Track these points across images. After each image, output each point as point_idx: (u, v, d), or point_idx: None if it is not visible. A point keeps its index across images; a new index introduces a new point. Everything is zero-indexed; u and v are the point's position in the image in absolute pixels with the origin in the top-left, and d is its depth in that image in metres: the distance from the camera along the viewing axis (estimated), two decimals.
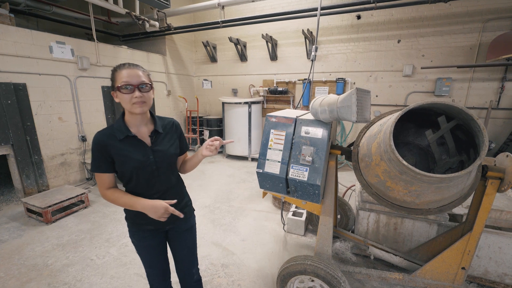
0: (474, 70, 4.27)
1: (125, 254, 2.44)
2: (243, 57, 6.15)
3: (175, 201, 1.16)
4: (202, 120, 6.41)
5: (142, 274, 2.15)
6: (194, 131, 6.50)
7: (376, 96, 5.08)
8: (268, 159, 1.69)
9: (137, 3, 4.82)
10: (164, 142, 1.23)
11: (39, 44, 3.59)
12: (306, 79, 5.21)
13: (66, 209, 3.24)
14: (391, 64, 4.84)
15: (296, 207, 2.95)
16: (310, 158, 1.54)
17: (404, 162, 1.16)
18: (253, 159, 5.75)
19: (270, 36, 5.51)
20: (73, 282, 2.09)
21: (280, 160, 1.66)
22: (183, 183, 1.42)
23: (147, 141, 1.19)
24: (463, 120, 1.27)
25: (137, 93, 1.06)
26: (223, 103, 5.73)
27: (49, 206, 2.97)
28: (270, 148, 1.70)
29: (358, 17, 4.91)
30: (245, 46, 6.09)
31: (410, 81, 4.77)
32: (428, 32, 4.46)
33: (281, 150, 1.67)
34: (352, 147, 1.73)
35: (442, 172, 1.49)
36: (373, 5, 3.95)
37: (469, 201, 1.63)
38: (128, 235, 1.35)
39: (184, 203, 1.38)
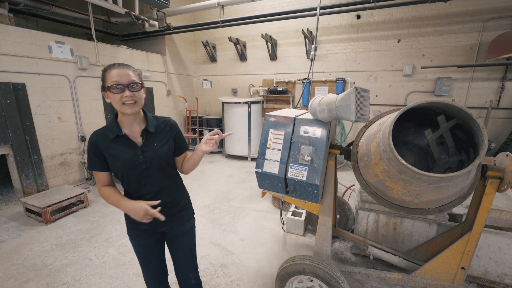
0: (474, 69, 4.26)
1: (124, 254, 2.43)
2: (242, 57, 6.14)
3: (157, 202, 1.12)
4: (202, 120, 6.41)
5: (141, 274, 2.13)
6: (194, 131, 6.50)
7: (376, 96, 5.07)
8: (267, 159, 1.69)
9: (137, 2, 4.82)
10: (155, 142, 1.20)
11: (38, 44, 3.59)
12: (305, 78, 5.20)
13: (65, 209, 3.23)
14: (391, 64, 4.84)
15: (295, 207, 2.94)
16: (309, 158, 1.54)
17: (403, 162, 1.15)
18: (252, 159, 5.75)
19: (270, 36, 5.50)
20: (71, 282, 2.08)
21: (279, 160, 1.65)
22: (183, 185, 1.39)
23: (138, 140, 1.18)
24: (463, 119, 1.26)
25: (127, 93, 1.06)
26: (223, 103, 5.72)
27: (48, 206, 2.97)
28: (269, 148, 1.70)
29: (358, 16, 4.91)
30: (244, 46, 6.08)
31: (410, 81, 4.76)
32: (428, 32, 4.46)
33: (280, 150, 1.66)
34: (351, 147, 1.73)
35: (442, 171, 1.48)
36: (372, 4, 3.94)
37: (468, 200, 1.62)
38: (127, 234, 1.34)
39: (181, 206, 1.34)
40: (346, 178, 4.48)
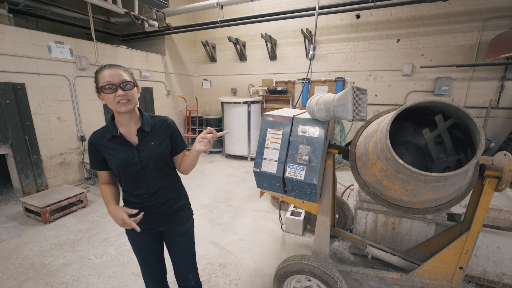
0: (473, 69, 4.26)
1: (122, 253, 2.43)
2: (242, 56, 6.14)
3: (136, 211, 1.11)
4: (202, 119, 6.41)
5: (139, 274, 2.14)
6: (193, 131, 6.50)
7: (376, 95, 5.07)
8: (265, 158, 1.69)
9: (136, 3, 4.82)
10: (151, 141, 1.20)
11: (37, 44, 3.59)
12: (305, 78, 5.20)
13: (64, 208, 3.23)
14: (391, 64, 4.83)
15: (294, 207, 2.94)
16: (307, 157, 1.54)
17: (400, 161, 1.15)
18: (252, 159, 5.74)
19: (269, 36, 5.50)
20: (70, 281, 2.08)
21: (277, 159, 1.65)
22: (181, 185, 1.39)
23: (134, 140, 1.18)
24: (460, 118, 1.26)
25: (119, 92, 1.07)
26: (223, 103, 5.72)
27: (48, 206, 2.97)
28: (267, 147, 1.70)
29: (357, 16, 4.90)
30: (244, 46, 6.08)
31: (410, 81, 4.76)
32: (427, 31, 4.45)
33: (278, 149, 1.66)
34: (349, 146, 1.73)
35: (440, 171, 1.48)
36: (372, 4, 3.93)
37: (467, 200, 1.62)
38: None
39: (179, 206, 1.34)
40: (346, 178, 4.48)
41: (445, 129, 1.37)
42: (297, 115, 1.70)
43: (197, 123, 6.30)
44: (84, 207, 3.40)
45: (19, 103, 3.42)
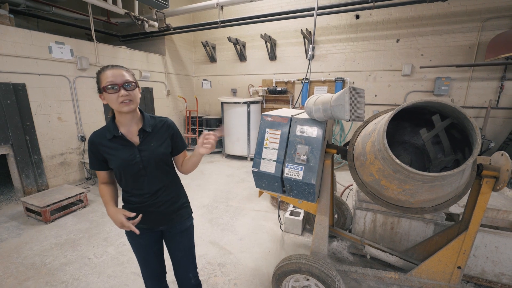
0: (473, 69, 4.26)
1: (122, 253, 2.45)
2: (242, 57, 6.15)
3: (134, 214, 1.14)
4: (202, 120, 6.42)
5: (139, 273, 2.16)
6: (193, 131, 6.52)
7: (375, 95, 5.07)
8: (263, 158, 1.70)
9: (136, 3, 4.84)
10: (152, 141, 1.22)
11: (38, 45, 3.61)
12: (304, 78, 5.21)
13: (65, 208, 3.25)
14: (390, 64, 4.84)
15: (293, 207, 2.95)
16: (305, 157, 1.54)
17: (397, 160, 1.16)
18: (252, 159, 5.75)
19: (269, 36, 5.51)
20: (70, 280, 2.10)
21: (275, 159, 1.66)
22: (180, 184, 1.41)
23: (136, 140, 1.20)
24: (457, 118, 1.27)
25: (122, 92, 1.08)
26: (222, 103, 5.74)
27: (48, 206, 2.99)
28: (265, 147, 1.70)
29: (357, 16, 4.91)
30: (244, 46, 6.09)
31: (409, 81, 4.76)
32: (427, 32, 4.45)
33: (276, 149, 1.67)
34: (347, 146, 1.73)
35: (438, 171, 1.49)
36: (371, 4, 3.94)
37: (465, 200, 1.62)
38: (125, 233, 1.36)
39: (180, 204, 1.36)
40: (346, 178, 4.48)
41: (442, 129, 1.37)
42: (296, 115, 1.71)
43: (197, 123, 6.31)
44: (84, 207, 3.42)
45: (20, 104, 3.44)
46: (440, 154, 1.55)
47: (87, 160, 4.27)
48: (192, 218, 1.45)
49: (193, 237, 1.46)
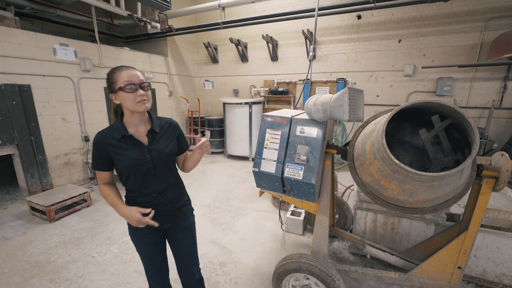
0: (476, 69, 4.23)
1: (125, 251, 2.48)
2: (244, 57, 6.18)
3: (149, 210, 1.18)
4: (204, 120, 6.46)
5: (142, 271, 2.19)
6: (195, 131, 6.56)
7: (377, 96, 5.06)
8: (264, 158, 1.72)
9: (139, 5, 4.89)
10: (161, 142, 1.26)
11: (43, 46, 3.67)
12: (305, 79, 5.22)
13: (69, 207, 3.30)
14: (392, 64, 4.83)
15: (294, 207, 2.96)
16: (305, 157, 1.56)
17: (396, 161, 1.17)
18: (253, 159, 5.77)
19: (271, 37, 5.53)
20: (74, 278, 2.13)
21: (276, 159, 1.68)
22: (182, 182, 1.44)
23: (144, 140, 1.23)
24: (456, 119, 1.27)
25: (140, 92, 1.12)
26: (224, 104, 5.76)
27: (53, 205, 3.03)
28: (266, 148, 1.72)
29: (359, 17, 4.91)
30: (245, 47, 6.12)
31: (411, 81, 4.75)
32: (429, 32, 4.44)
33: (276, 149, 1.69)
34: (347, 147, 1.74)
35: (438, 171, 1.49)
36: (372, 5, 3.94)
37: (466, 200, 1.63)
38: (128, 233, 1.38)
39: (183, 202, 1.40)
40: (347, 178, 4.48)
41: (442, 130, 1.38)
42: (296, 115, 1.73)
43: (199, 123, 6.35)
44: (88, 206, 3.46)
45: (25, 104, 3.49)
46: (440, 154, 1.56)
47: (90, 160, 4.32)
48: (194, 215, 1.50)
49: (195, 233, 1.51)
